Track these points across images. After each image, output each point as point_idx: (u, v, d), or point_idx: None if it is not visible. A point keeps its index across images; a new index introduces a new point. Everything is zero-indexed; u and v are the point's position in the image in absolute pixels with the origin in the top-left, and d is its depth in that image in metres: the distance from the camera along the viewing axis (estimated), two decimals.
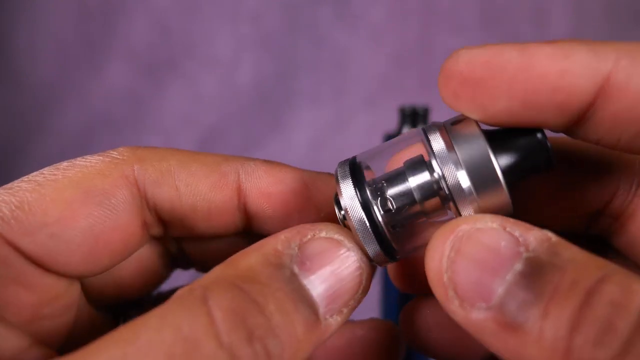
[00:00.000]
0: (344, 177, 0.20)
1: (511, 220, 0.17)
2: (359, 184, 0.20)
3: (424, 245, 0.20)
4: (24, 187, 0.20)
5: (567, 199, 0.22)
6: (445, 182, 0.18)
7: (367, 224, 0.19)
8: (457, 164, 0.18)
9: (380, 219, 0.19)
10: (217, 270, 0.18)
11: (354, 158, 0.21)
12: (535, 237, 0.16)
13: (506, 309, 0.15)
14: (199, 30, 0.79)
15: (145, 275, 0.25)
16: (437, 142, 0.19)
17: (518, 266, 0.15)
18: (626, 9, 0.73)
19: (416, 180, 0.19)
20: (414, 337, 0.23)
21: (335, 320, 0.18)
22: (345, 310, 0.18)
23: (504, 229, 0.16)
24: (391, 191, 0.19)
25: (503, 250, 0.16)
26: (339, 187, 0.20)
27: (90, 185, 0.21)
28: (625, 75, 0.16)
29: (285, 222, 0.22)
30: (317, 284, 0.18)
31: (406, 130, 0.54)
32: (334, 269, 0.18)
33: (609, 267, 0.15)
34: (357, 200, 0.19)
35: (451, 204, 0.18)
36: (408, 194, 0.19)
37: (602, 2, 0.72)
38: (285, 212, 0.22)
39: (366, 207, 0.19)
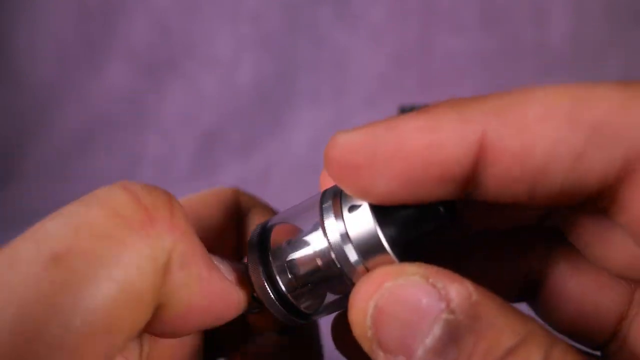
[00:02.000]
0: (251, 246, 0.21)
1: (434, 269, 0.17)
2: (262, 254, 0.21)
3: (332, 311, 0.21)
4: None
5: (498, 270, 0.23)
6: (335, 254, 0.19)
7: (270, 293, 0.20)
8: (345, 239, 0.18)
9: (282, 285, 0.20)
10: None
11: (266, 223, 0.22)
12: (457, 291, 0.16)
13: None
14: (199, 30, 0.79)
15: None
16: (329, 221, 0.19)
17: (437, 331, 0.16)
18: (626, 9, 0.73)
19: (312, 249, 0.20)
20: (343, 347, 0.24)
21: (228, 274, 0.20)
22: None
23: (427, 280, 0.16)
24: (293, 258, 0.20)
25: (424, 308, 0.16)
26: (248, 255, 0.21)
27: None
28: (495, 137, 0.16)
29: None
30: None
31: None
32: None
33: (526, 330, 0.16)
34: (261, 270, 0.20)
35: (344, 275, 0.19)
36: (308, 262, 0.20)
37: (602, 2, 0.72)
38: None
39: (269, 276, 0.21)
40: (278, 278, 0.20)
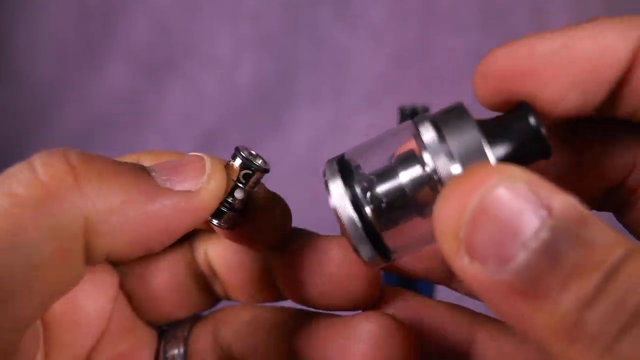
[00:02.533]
0: (333, 176, 0.19)
1: (537, 179, 0.16)
2: (348, 182, 0.19)
3: (420, 244, 0.20)
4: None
5: (579, 177, 0.22)
6: (439, 175, 0.18)
7: (359, 224, 0.19)
8: (450, 156, 0.17)
9: (371, 217, 0.19)
10: None
11: (342, 155, 0.20)
12: (562, 201, 0.15)
13: (524, 276, 0.15)
14: (199, 30, 0.79)
15: (182, 296, 0.26)
16: (428, 134, 0.18)
17: (543, 234, 0.15)
18: (626, 9, 0.73)
19: (408, 176, 0.18)
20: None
21: (178, 191, 0.19)
22: (193, 190, 0.20)
23: (530, 187, 0.16)
24: (382, 188, 0.19)
25: (528, 213, 0.15)
26: (328, 186, 0.19)
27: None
28: None
29: None
30: (158, 166, 0.20)
31: None
32: (175, 159, 0.21)
33: (631, 243, 0.15)
34: (347, 199, 0.19)
35: None
36: (400, 190, 0.18)
37: (602, 2, 0.72)
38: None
39: (356, 206, 0.19)
40: (368, 209, 0.18)
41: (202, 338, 0.26)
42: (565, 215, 0.15)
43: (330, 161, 0.20)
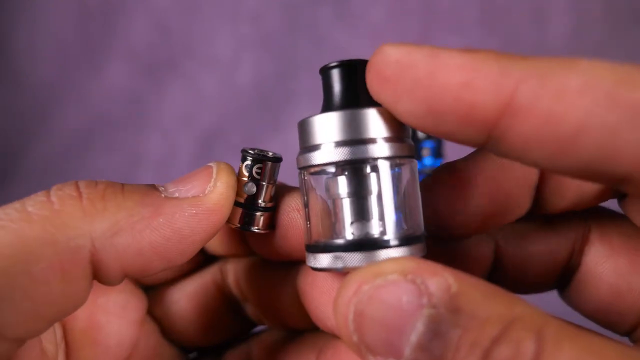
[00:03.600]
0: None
1: (412, 264, 0.16)
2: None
3: None
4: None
5: (528, 270, 0.24)
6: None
7: None
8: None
9: None
10: None
11: None
12: (437, 285, 0.16)
13: None
14: (199, 30, 0.79)
15: (213, 320, 0.27)
16: None
17: (420, 327, 0.15)
18: (626, 8, 0.73)
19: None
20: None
21: (185, 197, 0.20)
22: (201, 195, 0.20)
23: (405, 276, 0.16)
24: None
25: (405, 306, 0.16)
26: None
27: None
28: (531, 96, 0.16)
29: None
30: (170, 184, 0.21)
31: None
32: (183, 176, 0.21)
33: (513, 314, 0.15)
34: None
35: None
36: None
37: (602, 2, 0.72)
38: None
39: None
40: None
41: None
42: (441, 298, 0.15)
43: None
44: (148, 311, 0.26)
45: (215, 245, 0.25)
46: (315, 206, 0.21)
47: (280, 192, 0.23)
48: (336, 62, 0.20)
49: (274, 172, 0.22)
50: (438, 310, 0.15)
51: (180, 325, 0.26)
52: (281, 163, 0.22)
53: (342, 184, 0.20)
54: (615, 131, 0.16)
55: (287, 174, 0.24)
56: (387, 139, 0.19)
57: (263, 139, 0.77)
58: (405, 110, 0.18)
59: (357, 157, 0.19)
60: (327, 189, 0.20)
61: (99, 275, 0.19)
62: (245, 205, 0.22)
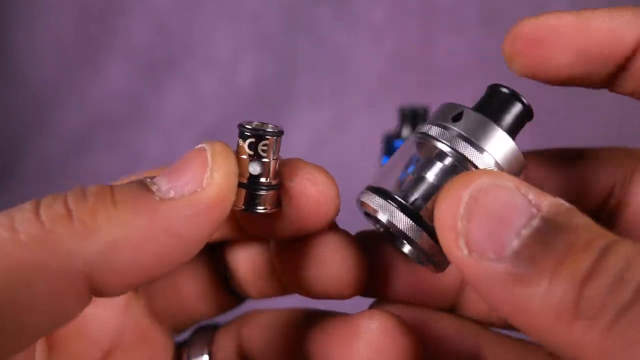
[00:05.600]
0: (373, 199, 0.21)
1: (525, 183, 0.17)
2: (390, 198, 0.21)
3: None
4: None
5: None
6: (472, 163, 0.20)
7: (416, 226, 0.20)
8: (479, 148, 0.20)
9: (426, 219, 0.21)
10: None
11: (370, 185, 0.22)
12: (549, 202, 0.17)
13: (519, 261, 0.16)
14: (199, 30, 0.79)
15: (203, 294, 0.26)
16: (438, 131, 0.21)
17: (534, 222, 0.16)
18: None
19: (433, 174, 0.21)
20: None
21: (182, 197, 0.18)
22: (199, 190, 0.18)
23: (519, 190, 0.17)
24: (418, 193, 0.21)
25: (519, 207, 0.16)
26: (373, 208, 0.21)
27: None
28: None
29: None
30: (160, 176, 0.19)
31: (406, 131, 0.54)
32: (175, 161, 0.19)
33: (613, 235, 0.16)
34: (399, 212, 0.20)
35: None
36: (433, 187, 0.21)
37: (602, 2, 0.72)
38: None
39: (411, 215, 0.21)
40: (420, 213, 0.21)
41: (225, 343, 0.26)
42: (554, 210, 0.16)
43: (363, 192, 0.22)
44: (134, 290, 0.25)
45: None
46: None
47: (281, 164, 0.21)
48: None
49: (279, 147, 0.20)
50: (552, 215, 0.16)
51: (168, 302, 0.26)
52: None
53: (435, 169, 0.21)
54: None
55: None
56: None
57: None
58: (557, 64, 0.21)
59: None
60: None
61: (97, 292, 0.18)
62: (249, 186, 0.20)
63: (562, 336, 0.15)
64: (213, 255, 0.26)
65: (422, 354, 0.23)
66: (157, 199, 0.18)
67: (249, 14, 0.78)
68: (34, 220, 0.17)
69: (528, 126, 0.23)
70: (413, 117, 0.53)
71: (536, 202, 0.16)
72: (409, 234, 0.20)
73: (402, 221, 0.20)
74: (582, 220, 0.16)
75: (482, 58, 0.77)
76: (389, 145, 0.54)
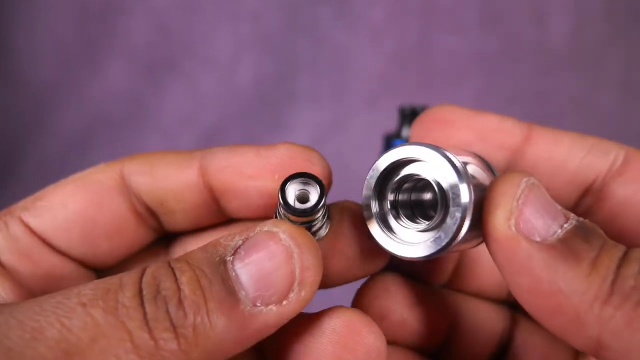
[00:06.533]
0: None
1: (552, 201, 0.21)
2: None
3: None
4: (50, 186, 0.26)
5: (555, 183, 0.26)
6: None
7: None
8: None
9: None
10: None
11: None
12: (572, 213, 0.20)
13: (564, 248, 0.18)
14: (199, 30, 0.79)
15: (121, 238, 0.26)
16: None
17: (573, 221, 0.19)
18: (626, 9, 0.73)
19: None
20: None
21: (269, 310, 0.19)
22: (284, 302, 0.19)
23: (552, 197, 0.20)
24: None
25: (558, 208, 0.20)
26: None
27: (86, 178, 0.27)
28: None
29: (245, 195, 0.24)
30: (245, 271, 0.19)
31: (405, 130, 0.54)
32: (260, 257, 0.19)
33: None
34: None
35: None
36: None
37: (602, 2, 0.72)
38: (241, 182, 0.24)
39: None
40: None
41: None
42: (581, 218, 0.20)
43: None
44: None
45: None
46: None
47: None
48: None
49: (323, 209, 0.22)
50: (582, 222, 0.20)
51: (87, 235, 0.25)
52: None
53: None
54: None
55: None
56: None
57: (263, 139, 0.77)
58: (458, 139, 0.25)
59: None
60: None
61: None
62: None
63: (592, 315, 0.17)
64: (127, 187, 0.26)
65: (385, 344, 0.23)
66: (247, 312, 0.19)
67: (248, 14, 0.78)
68: (146, 333, 0.18)
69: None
70: (412, 116, 0.53)
71: (564, 210, 0.20)
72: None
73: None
74: (600, 229, 0.19)
75: (482, 58, 0.77)
76: (389, 145, 0.54)
